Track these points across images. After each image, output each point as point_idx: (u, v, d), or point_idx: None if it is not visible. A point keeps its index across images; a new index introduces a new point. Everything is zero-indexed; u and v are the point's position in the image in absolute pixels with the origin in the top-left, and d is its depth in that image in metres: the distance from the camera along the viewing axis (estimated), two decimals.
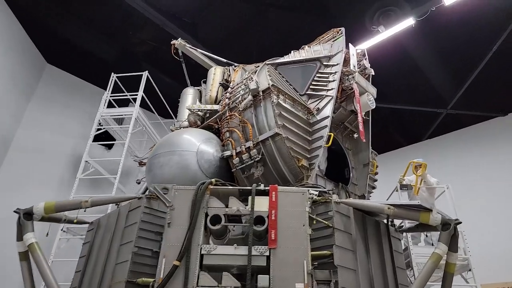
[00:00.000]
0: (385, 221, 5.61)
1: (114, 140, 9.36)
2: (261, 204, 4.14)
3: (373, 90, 6.55)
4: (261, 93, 5.72)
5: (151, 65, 11.16)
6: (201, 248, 3.87)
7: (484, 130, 12.18)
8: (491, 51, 10.10)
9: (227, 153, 5.95)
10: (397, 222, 6.34)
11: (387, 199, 7.00)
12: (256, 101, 5.79)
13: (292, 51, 6.79)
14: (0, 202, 8.12)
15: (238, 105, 6.08)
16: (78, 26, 10.56)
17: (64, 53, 10.66)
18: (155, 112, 9.72)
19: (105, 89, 9.39)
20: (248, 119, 5.89)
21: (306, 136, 5.79)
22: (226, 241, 4.28)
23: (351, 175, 6.57)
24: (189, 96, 7.69)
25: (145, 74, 9.38)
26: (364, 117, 6.70)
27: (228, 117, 6.19)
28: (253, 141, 5.65)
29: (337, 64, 6.36)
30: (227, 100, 6.51)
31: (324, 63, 6.55)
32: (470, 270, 5.98)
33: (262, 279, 3.63)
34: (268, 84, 5.66)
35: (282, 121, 5.47)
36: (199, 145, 6.07)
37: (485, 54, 10.32)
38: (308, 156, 5.68)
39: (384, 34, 9.54)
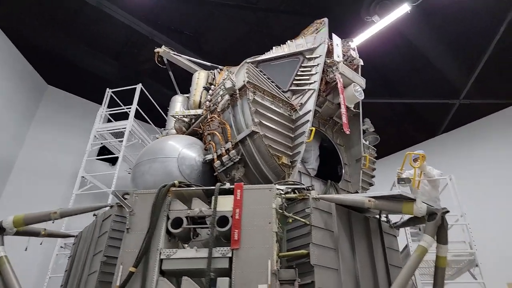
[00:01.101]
0: (377, 216, 5.21)
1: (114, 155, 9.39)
2: (226, 204, 3.88)
3: (361, 81, 6.20)
4: (237, 92, 5.51)
5: (153, 80, 11.24)
6: (160, 253, 3.65)
7: (502, 118, 11.36)
8: (499, 33, 9.44)
9: (209, 156, 5.76)
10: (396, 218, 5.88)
11: None
12: (233, 100, 5.59)
13: (274, 47, 6.57)
14: None
15: (218, 106, 5.90)
16: (79, 47, 10.80)
17: (64, 73, 10.92)
18: (152, 123, 9.70)
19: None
20: (227, 120, 5.70)
21: (288, 133, 5.51)
22: (202, 243, 4.06)
23: (343, 171, 6.19)
24: (177, 103, 7.59)
25: (139, 87, 9.41)
26: (355, 110, 6.36)
27: (209, 120, 6.02)
28: (231, 142, 5.44)
29: (320, 56, 6.07)
30: (207, 102, 6.35)
31: (307, 57, 6.28)
32: (477, 265, 5.42)
33: (222, 282, 3.35)
34: (244, 81, 5.45)
35: (259, 118, 5.23)
36: (180, 151, 5.92)
37: (493, 35, 9.66)
38: (291, 153, 5.39)
39: (380, 24, 9.13)
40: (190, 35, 11.69)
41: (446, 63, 11.31)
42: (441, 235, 4.04)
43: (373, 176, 6.63)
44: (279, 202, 4.08)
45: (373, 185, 6.56)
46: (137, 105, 9.49)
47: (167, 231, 3.84)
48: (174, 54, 7.46)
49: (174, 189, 4.02)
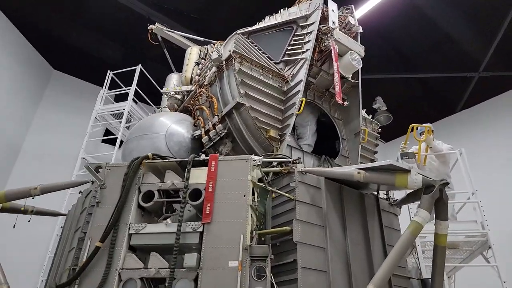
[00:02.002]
0: (375, 193, 4.87)
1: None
2: (200, 176, 3.64)
3: (359, 48, 5.76)
4: (223, 63, 5.21)
5: (157, 62, 11.04)
6: (129, 228, 3.47)
7: None
8: None
9: (197, 132, 5.54)
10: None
11: None
12: (220, 72, 5.30)
13: (266, 17, 6.19)
14: None
15: (205, 80, 5.63)
16: (83, 32, 10.71)
17: (69, 58, 10.90)
18: (153, 105, 9.56)
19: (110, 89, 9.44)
20: (215, 93, 5.43)
21: (277, 105, 5.19)
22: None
23: (341, 147, 5.83)
24: (172, 81, 7.38)
25: (138, 68, 9.25)
26: (354, 81, 5.95)
27: (198, 95, 5.77)
28: (218, 115, 5.18)
29: (313, 23, 5.66)
30: (197, 77, 6.09)
31: (300, 25, 5.88)
32: (490, 248, 4.98)
33: (189, 258, 3.14)
34: (229, 51, 5.14)
35: (246, 89, 4.93)
36: (168, 127, 5.72)
37: None
38: (280, 126, 5.08)
39: None
40: (196, 18, 11.36)
41: (464, 33, 10.55)
42: (440, 210, 3.67)
43: (375, 152, 6.25)
44: (258, 175, 3.80)
45: (375, 161, 6.17)
46: (140, 86, 9.35)
47: (139, 205, 3.65)
48: (167, 31, 7.21)
49: (147, 161, 3.81)
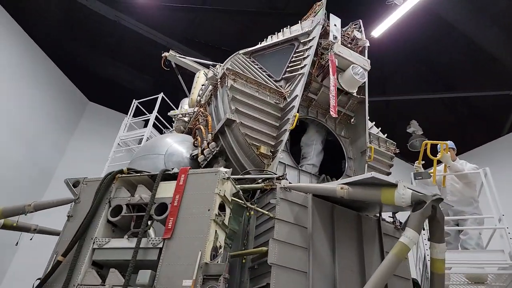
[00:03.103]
0: (377, 215, 4.41)
1: None
2: (169, 190, 3.49)
3: (363, 62, 5.46)
4: (218, 81, 5.18)
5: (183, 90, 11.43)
6: (93, 242, 3.36)
7: None
8: None
9: (195, 152, 5.45)
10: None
11: None
12: (215, 90, 5.27)
13: (269, 36, 6.14)
14: None
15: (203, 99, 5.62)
16: (115, 64, 11.48)
17: (103, 90, 11.64)
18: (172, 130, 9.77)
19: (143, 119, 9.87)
20: (210, 112, 5.38)
21: (272, 122, 4.97)
22: None
23: (346, 166, 5.42)
24: (184, 105, 7.49)
25: (160, 96, 9.60)
26: (359, 96, 5.61)
27: (197, 115, 5.75)
28: (211, 133, 5.08)
29: (314, 38, 5.50)
30: (198, 97, 6.10)
31: (301, 41, 5.74)
32: None
33: (142, 275, 2.94)
34: (223, 69, 5.11)
35: (237, 105, 4.80)
36: (168, 147, 5.72)
37: None
38: (273, 143, 4.84)
39: (405, 6, 8.14)
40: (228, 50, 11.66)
41: (504, 48, 9.75)
42: (434, 230, 3.17)
43: (389, 173, 5.72)
44: (231, 190, 3.57)
45: None
46: (164, 113, 9.63)
47: (109, 220, 3.56)
48: (180, 57, 7.41)
49: (120, 176, 3.75)
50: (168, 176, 3.60)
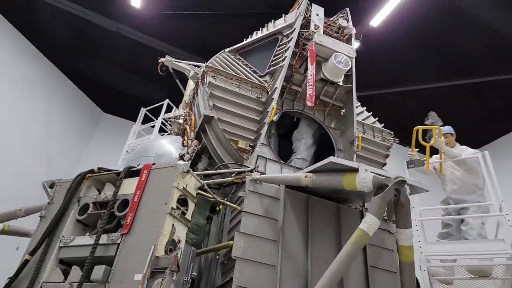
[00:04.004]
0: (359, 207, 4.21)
1: None
2: (133, 186, 3.48)
3: (347, 50, 5.25)
4: (200, 79, 5.18)
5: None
6: (60, 241, 3.41)
7: None
8: None
9: (183, 152, 5.46)
10: None
11: None
12: (197, 88, 5.27)
13: (254, 32, 6.07)
14: None
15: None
16: (129, 77, 11.83)
17: (117, 101, 12.02)
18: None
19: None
20: (194, 111, 5.38)
21: (252, 116, 4.88)
22: None
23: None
24: (181, 108, 7.55)
25: (165, 102, 9.76)
26: (346, 85, 5.42)
27: (185, 115, 5.77)
28: (194, 131, 5.07)
29: (295, 29, 5.38)
30: (186, 98, 6.13)
31: (285, 34, 5.63)
32: None
33: (96, 271, 2.93)
34: (203, 67, 5.10)
35: (214, 101, 4.76)
36: (158, 149, 5.78)
37: None
38: (253, 137, 4.74)
39: None
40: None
41: None
42: (398, 216, 2.96)
43: (384, 164, 5.45)
44: (195, 184, 3.51)
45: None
46: None
47: (78, 219, 3.61)
48: (176, 61, 7.50)
49: (90, 175, 3.80)
50: (134, 173, 3.60)
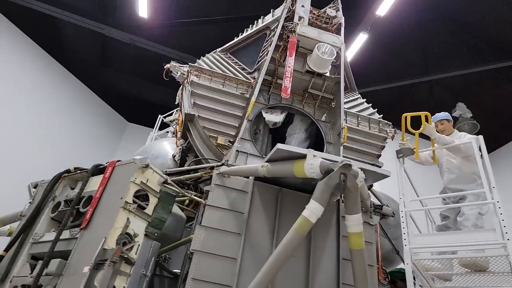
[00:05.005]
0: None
1: None
2: (97, 184, 3.58)
3: (332, 39, 5.06)
4: (185, 79, 5.24)
5: None
6: (32, 237, 3.57)
7: None
8: None
9: (176, 151, 5.56)
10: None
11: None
12: (183, 89, 5.33)
13: (245, 29, 6.04)
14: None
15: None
16: (147, 86, 12.29)
17: (139, 111, 12.52)
18: None
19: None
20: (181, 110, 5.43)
21: (236, 113, 4.83)
22: None
23: (324, 151, 5.00)
24: None
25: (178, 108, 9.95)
26: (334, 76, 5.23)
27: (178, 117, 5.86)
28: (180, 131, 5.13)
29: (279, 23, 5.29)
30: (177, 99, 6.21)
31: (272, 29, 5.55)
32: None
33: (51, 264, 3.02)
34: (187, 67, 5.17)
35: (196, 99, 4.79)
36: (154, 151, 5.94)
37: None
38: (233, 133, 4.69)
39: None
40: None
41: None
42: (346, 201, 2.77)
43: (379, 155, 5.16)
44: (158, 179, 3.53)
45: (380, 167, 5.09)
46: None
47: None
48: (180, 66, 7.65)
49: (66, 175, 3.95)
50: (101, 170, 3.70)
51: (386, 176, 3.21)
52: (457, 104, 11.01)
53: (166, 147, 6.07)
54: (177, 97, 6.77)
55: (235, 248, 3.34)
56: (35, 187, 4.20)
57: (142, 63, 10.88)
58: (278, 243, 3.42)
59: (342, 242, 3.62)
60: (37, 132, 9.85)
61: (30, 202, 4.02)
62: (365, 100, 5.88)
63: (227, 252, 3.31)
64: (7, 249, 3.54)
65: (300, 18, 5.23)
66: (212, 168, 3.97)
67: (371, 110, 5.70)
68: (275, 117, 5.37)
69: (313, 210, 2.59)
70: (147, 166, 3.41)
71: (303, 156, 2.88)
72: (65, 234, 3.31)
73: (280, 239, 3.46)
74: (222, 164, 3.88)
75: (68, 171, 4.01)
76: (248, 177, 3.77)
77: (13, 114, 9.31)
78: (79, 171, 4.00)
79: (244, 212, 3.55)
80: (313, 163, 2.78)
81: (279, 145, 2.96)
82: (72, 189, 3.87)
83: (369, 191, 5.61)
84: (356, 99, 5.81)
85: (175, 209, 4.15)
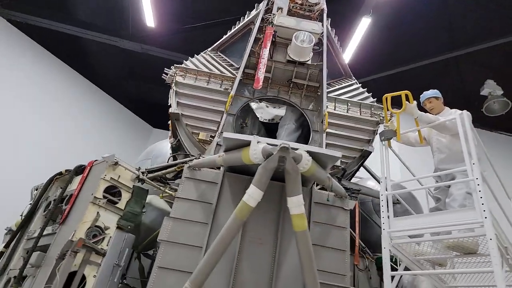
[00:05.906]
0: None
1: None
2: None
3: (312, 26, 5.01)
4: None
5: None
6: (27, 234, 3.93)
7: None
8: None
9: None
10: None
11: None
12: (171, 90, 5.54)
13: (232, 26, 6.14)
14: None
15: None
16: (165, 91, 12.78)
17: (162, 116, 13.01)
18: None
19: None
20: None
21: (218, 108, 4.96)
22: None
23: (310, 139, 4.97)
24: None
25: None
26: (317, 63, 5.17)
27: None
28: (171, 130, 5.35)
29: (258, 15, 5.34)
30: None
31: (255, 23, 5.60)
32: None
33: (32, 257, 3.33)
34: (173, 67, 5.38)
35: (179, 98, 4.99)
36: (156, 151, 6.23)
37: None
38: (216, 128, 4.81)
39: None
40: None
41: None
42: (287, 183, 2.78)
43: (369, 140, 5.03)
44: (132, 175, 3.75)
45: (370, 152, 4.97)
46: None
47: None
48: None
49: (58, 177, 4.29)
50: (81, 170, 3.99)
51: (337, 158, 3.15)
52: (486, 82, 10.28)
53: (167, 147, 6.31)
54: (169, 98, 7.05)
55: (201, 237, 3.45)
56: (37, 190, 4.60)
57: (156, 70, 11.33)
58: (247, 231, 3.53)
59: (315, 228, 3.59)
60: (73, 142, 10.58)
61: (30, 204, 4.41)
62: (360, 85, 5.75)
63: (193, 241, 3.42)
64: (6, 245, 3.93)
65: (278, 8, 5.23)
66: (184, 162, 4.11)
67: (366, 95, 5.56)
68: (277, 111, 5.44)
69: (251, 194, 2.64)
70: (116, 163, 3.62)
71: (248, 143, 2.93)
72: (48, 229, 3.63)
73: (249, 227, 3.56)
74: (193, 159, 4.01)
75: (60, 173, 4.35)
76: (219, 168, 3.87)
77: (51, 126, 10.10)
78: (67, 173, 4.33)
79: (213, 203, 3.65)
80: (256, 149, 2.82)
81: (225, 134, 3.04)
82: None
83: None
84: (351, 85, 5.70)
85: (161, 203, 4.38)
